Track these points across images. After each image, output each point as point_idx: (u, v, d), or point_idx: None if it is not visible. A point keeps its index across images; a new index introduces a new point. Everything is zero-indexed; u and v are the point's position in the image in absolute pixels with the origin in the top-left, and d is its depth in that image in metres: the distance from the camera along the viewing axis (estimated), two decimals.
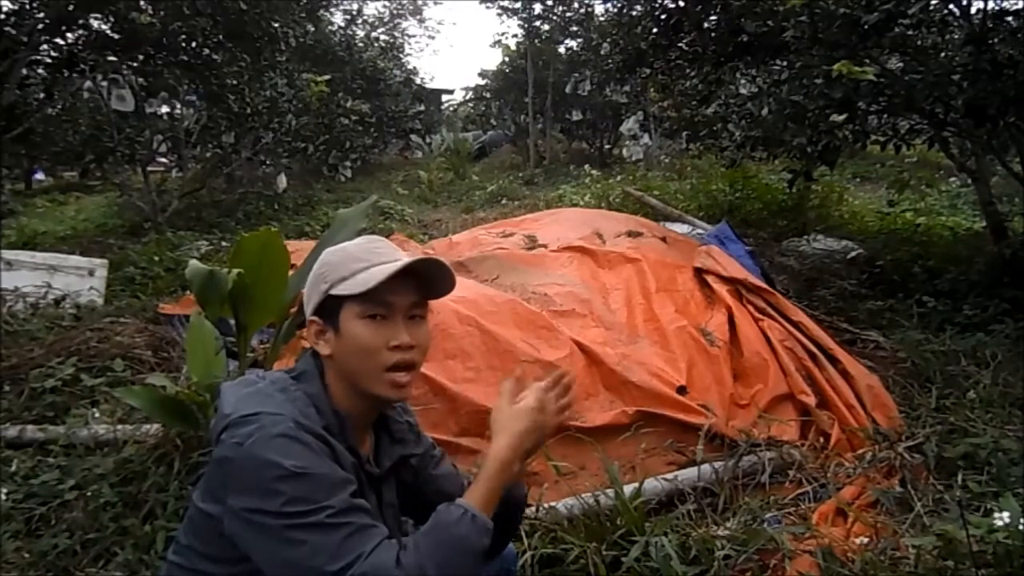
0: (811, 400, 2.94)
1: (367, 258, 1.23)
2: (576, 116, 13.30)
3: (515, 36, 13.78)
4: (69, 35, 6.79)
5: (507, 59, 14.14)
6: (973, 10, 3.91)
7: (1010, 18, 3.76)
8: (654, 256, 3.87)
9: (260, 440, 1.08)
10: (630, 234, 4.18)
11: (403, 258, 1.24)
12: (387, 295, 1.20)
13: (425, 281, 1.25)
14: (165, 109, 8.50)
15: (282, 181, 9.99)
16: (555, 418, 1.26)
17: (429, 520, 1.12)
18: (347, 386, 1.23)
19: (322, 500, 1.06)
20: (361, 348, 1.19)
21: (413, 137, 15.56)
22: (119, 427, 2.79)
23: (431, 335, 1.32)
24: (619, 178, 8.82)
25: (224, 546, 1.14)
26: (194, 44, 7.25)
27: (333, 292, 1.21)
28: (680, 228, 5.18)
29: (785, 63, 4.83)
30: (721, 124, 5.52)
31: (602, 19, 10.61)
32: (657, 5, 5.53)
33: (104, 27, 6.97)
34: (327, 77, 8.67)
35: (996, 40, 3.62)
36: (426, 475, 1.39)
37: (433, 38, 27.49)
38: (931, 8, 3.74)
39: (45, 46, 6.65)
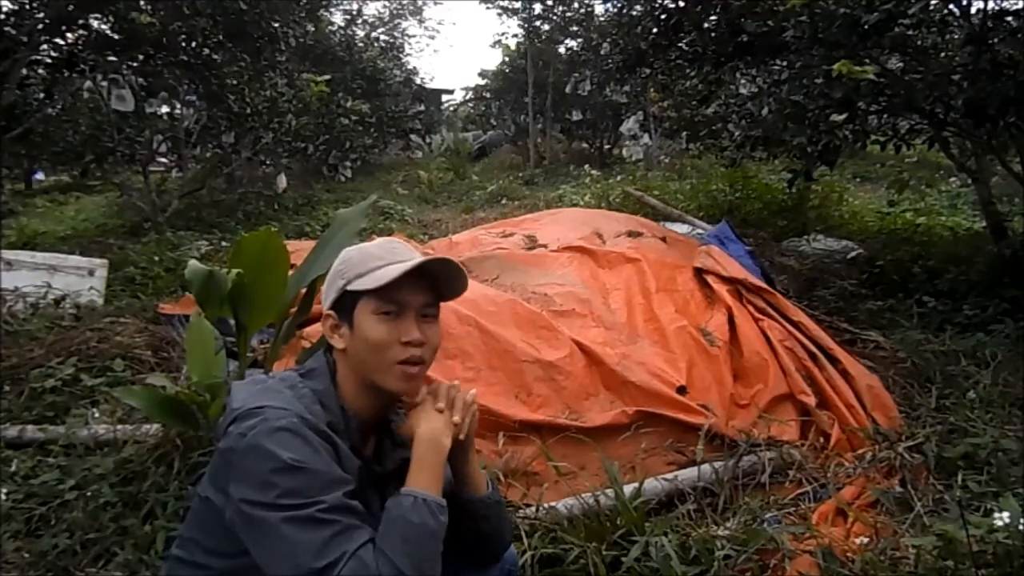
0: (811, 400, 2.93)
1: (384, 256, 1.27)
2: (576, 116, 13.28)
3: (515, 36, 13.83)
4: (69, 35, 6.78)
5: (507, 59, 14.15)
6: (973, 10, 3.90)
7: (1010, 18, 3.75)
8: (654, 256, 3.87)
9: (262, 432, 1.11)
10: (630, 234, 4.18)
11: (419, 258, 1.27)
12: (401, 293, 1.23)
13: (438, 282, 1.28)
14: (165, 109, 8.48)
15: (282, 181, 9.98)
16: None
17: (383, 517, 1.14)
18: (357, 382, 1.26)
19: (315, 495, 1.08)
20: (373, 342, 1.22)
21: (413, 137, 15.55)
22: (119, 427, 2.79)
23: None
24: (619, 178, 8.82)
25: (225, 538, 1.16)
26: (194, 44, 7.24)
27: (350, 288, 1.25)
28: (680, 228, 5.18)
29: (785, 63, 4.82)
30: (721, 124, 5.52)
31: (602, 19, 10.65)
32: (657, 5, 5.52)
33: (104, 27, 6.96)
34: (327, 77, 8.66)
35: (996, 40, 3.61)
36: None
37: (433, 38, 27.47)
38: (931, 8, 3.73)
39: (45, 46, 6.64)
